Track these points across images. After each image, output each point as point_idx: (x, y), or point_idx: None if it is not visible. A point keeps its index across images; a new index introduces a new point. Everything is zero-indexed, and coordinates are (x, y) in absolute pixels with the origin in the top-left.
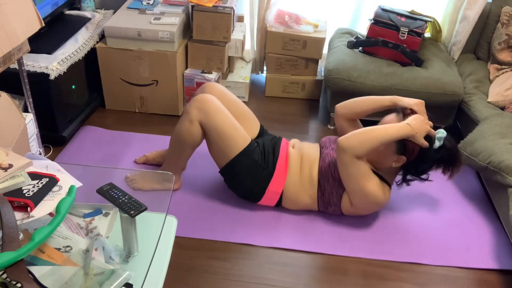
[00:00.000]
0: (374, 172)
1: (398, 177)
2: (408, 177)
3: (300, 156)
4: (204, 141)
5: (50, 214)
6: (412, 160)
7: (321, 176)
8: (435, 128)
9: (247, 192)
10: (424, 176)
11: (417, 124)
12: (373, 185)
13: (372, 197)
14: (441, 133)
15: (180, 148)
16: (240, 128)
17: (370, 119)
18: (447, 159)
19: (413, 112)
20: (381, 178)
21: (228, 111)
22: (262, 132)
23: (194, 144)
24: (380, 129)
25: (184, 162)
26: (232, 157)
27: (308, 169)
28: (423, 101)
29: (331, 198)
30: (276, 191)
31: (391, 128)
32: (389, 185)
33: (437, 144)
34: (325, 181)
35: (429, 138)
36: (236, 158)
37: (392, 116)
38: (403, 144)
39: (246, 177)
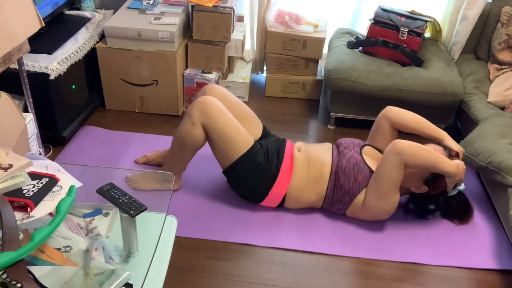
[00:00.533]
0: None
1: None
2: (410, 205)
3: (307, 159)
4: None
5: (50, 214)
6: (428, 195)
7: (342, 175)
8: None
9: (250, 194)
10: (422, 214)
11: (462, 171)
12: (397, 196)
13: (389, 205)
14: (462, 186)
15: (182, 150)
16: (242, 129)
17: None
18: (454, 209)
19: (457, 156)
20: None
21: (230, 113)
22: (265, 133)
23: (196, 147)
24: (436, 155)
25: (185, 164)
26: (235, 159)
27: (318, 169)
28: (463, 150)
29: (344, 197)
30: (279, 193)
31: (445, 160)
32: None
33: (453, 192)
34: (345, 180)
35: (454, 185)
36: (239, 160)
37: (439, 148)
38: (434, 178)
39: (249, 179)
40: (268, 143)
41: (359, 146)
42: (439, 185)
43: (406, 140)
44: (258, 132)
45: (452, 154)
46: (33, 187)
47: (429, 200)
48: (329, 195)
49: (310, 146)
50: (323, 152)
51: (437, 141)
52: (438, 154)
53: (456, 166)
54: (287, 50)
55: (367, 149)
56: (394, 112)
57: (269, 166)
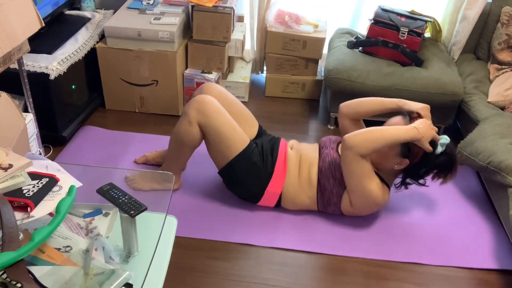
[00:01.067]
0: (375, 172)
1: (397, 180)
2: (407, 180)
3: (299, 157)
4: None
5: (50, 214)
6: (414, 163)
7: (321, 176)
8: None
9: (246, 193)
10: (421, 181)
11: (424, 128)
12: (374, 185)
13: (372, 197)
14: (445, 139)
15: (179, 149)
16: (238, 129)
17: (373, 119)
18: (445, 165)
19: (419, 116)
20: (381, 179)
21: (226, 112)
22: (260, 132)
23: (193, 145)
24: (387, 130)
25: (183, 162)
26: (231, 159)
27: (307, 170)
28: (428, 106)
29: (331, 198)
30: (275, 192)
31: (398, 130)
32: (389, 186)
33: (439, 149)
34: (325, 181)
35: (433, 143)
36: (235, 159)
37: (398, 119)
38: (407, 147)
39: (245, 178)
40: (263, 142)
41: (335, 142)
42: (416, 152)
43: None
44: (254, 131)
45: (412, 117)
46: (33, 187)
47: (420, 167)
48: (320, 198)
49: (301, 145)
50: (311, 152)
51: (398, 111)
52: (389, 128)
53: (412, 128)
54: (287, 50)
55: None
56: (345, 107)
57: (264, 165)
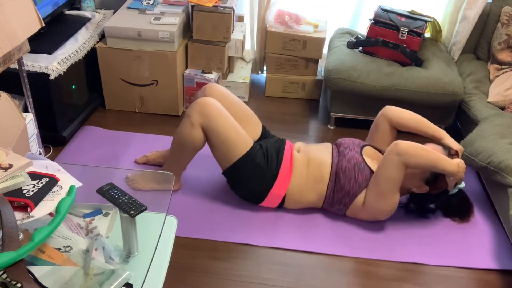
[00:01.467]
0: None
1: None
2: (411, 205)
3: (307, 159)
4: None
5: (50, 214)
6: (429, 194)
7: (343, 175)
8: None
9: (249, 194)
10: (423, 213)
11: (462, 169)
12: (397, 196)
13: (389, 205)
14: (462, 184)
15: (181, 151)
16: (242, 131)
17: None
18: (454, 207)
19: (456, 154)
20: None
21: (229, 114)
22: (264, 134)
23: (195, 148)
24: (437, 155)
25: (185, 165)
26: (235, 161)
27: (317, 170)
28: (463, 149)
29: (344, 198)
30: (278, 194)
31: (445, 160)
32: None
33: (453, 190)
34: (346, 180)
35: (455, 184)
36: (239, 161)
37: (439, 148)
38: (435, 177)
39: (249, 180)
40: (268, 144)
41: (359, 146)
42: (440, 185)
43: (406, 140)
44: (258, 132)
45: (451, 153)
46: (33, 187)
47: (430, 199)
48: (329, 195)
49: (310, 147)
50: (323, 153)
51: (437, 140)
52: (439, 153)
53: (456, 165)
54: (287, 50)
55: (367, 150)
56: (393, 112)
57: (269, 167)
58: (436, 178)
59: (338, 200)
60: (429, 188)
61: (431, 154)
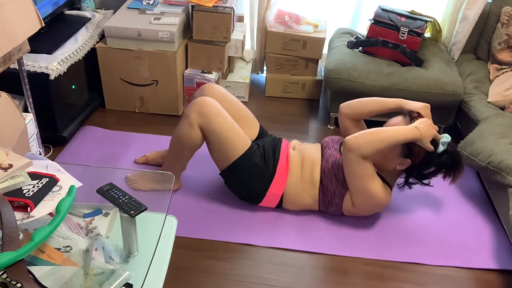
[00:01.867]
0: (377, 174)
1: (400, 180)
2: (410, 180)
3: (301, 157)
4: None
5: (50, 214)
6: (416, 163)
7: (324, 177)
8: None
9: (248, 195)
10: (425, 181)
11: (425, 128)
12: (376, 186)
13: (374, 198)
14: (446, 137)
15: (180, 151)
16: (240, 131)
17: (373, 119)
18: (449, 164)
19: (419, 115)
20: (383, 180)
21: (227, 114)
22: (261, 133)
23: (194, 148)
24: (388, 130)
25: (184, 164)
26: (233, 161)
27: (310, 170)
28: (429, 105)
29: (333, 198)
30: (277, 193)
31: (399, 130)
32: (391, 187)
33: (441, 148)
34: (328, 181)
35: (434, 142)
36: (236, 161)
37: (398, 119)
38: (409, 147)
39: (247, 180)
40: (265, 143)
41: (338, 143)
42: (417, 152)
43: (373, 124)
44: (255, 132)
45: (413, 117)
46: (33, 187)
47: (422, 167)
48: (322, 198)
49: (303, 145)
50: (314, 153)
51: (399, 111)
52: (389, 128)
53: (413, 128)
54: (287, 50)
55: None
56: (345, 107)
57: (266, 167)
58: (409, 148)
59: (329, 202)
60: (411, 160)
61: (380, 134)
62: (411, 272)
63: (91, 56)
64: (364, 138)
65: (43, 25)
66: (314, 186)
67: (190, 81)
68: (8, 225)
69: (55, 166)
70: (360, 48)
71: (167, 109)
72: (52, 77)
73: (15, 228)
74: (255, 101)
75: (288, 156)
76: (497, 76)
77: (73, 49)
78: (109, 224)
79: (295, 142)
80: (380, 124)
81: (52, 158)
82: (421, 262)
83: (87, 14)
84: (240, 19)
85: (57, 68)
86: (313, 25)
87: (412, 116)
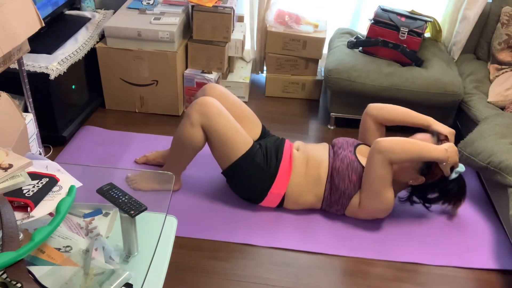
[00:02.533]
0: None
1: (402, 193)
2: (413, 197)
3: (306, 158)
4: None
5: (50, 214)
6: (428, 183)
7: (337, 176)
8: None
9: (249, 194)
10: (427, 204)
11: (452, 153)
12: (390, 193)
13: (384, 203)
14: (461, 167)
15: (181, 151)
16: (242, 130)
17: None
18: (455, 193)
19: (446, 139)
20: None
21: (229, 114)
22: (264, 133)
23: (196, 148)
24: (422, 144)
25: (185, 165)
26: (234, 160)
27: (315, 170)
28: (454, 131)
29: (341, 198)
30: (278, 193)
31: (431, 148)
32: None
33: (453, 176)
34: (340, 180)
35: (450, 169)
36: (238, 161)
37: (427, 136)
38: (429, 166)
39: (248, 180)
40: (267, 143)
41: (353, 145)
42: (435, 173)
43: (395, 133)
44: (257, 132)
45: (440, 139)
46: (33, 187)
47: (430, 188)
48: (327, 196)
49: (308, 146)
50: (321, 152)
51: (425, 128)
52: (422, 143)
53: (443, 150)
54: (287, 50)
55: (361, 148)
56: (375, 109)
57: (268, 167)
58: (429, 167)
59: (335, 201)
60: (426, 178)
61: (413, 146)
62: (411, 272)
63: (91, 56)
64: (399, 144)
65: (43, 25)
66: (319, 184)
67: (190, 81)
68: (8, 225)
69: (55, 166)
70: (360, 48)
71: (167, 109)
72: (52, 77)
73: (15, 228)
74: (255, 101)
75: (292, 156)
76: (497, 76)
77: (73, 49)
78: (109, 224)
79: (299, 143)
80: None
81: (52, 158)
82: (421, 262)
83: (87, 14)
84: (240, 19)
85: (57, 68)
86: (313, 25)
87: (440, 138)
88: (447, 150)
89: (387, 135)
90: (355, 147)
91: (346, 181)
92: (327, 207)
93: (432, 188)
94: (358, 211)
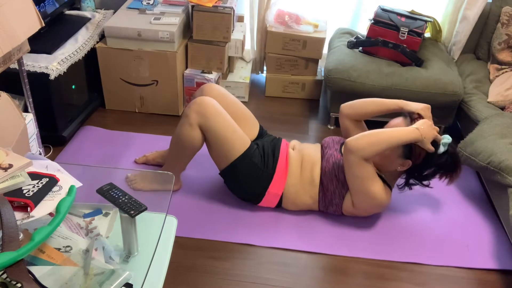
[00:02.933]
0: (377, 174)
1: (400, 181)
2: (411, 181)
3: (301, 157)
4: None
5: (50, 214)
6: (417, 164)
7: (324, 177)
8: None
9: (247, 195)
10: (426, 182)
11: (426, 129)
12: (377, 187)
13: (375, 199)
14: (447, 138)
15: (180, 151)
16: (239, 130)
17: (375, 119)
18: (449, 164)
19: (420, 116)
20: (383, 180)
21: (227, 114)
22: (261, 133)
23: (194, 148)
24: (389, 132)
25: (184, 165)
26: (232, 160)
27: (309, 170)
28: (429, 106)
29: (334, 199)
30: (276, 193)
31: (400, 132)
32: (390, 188)
33: (441, 149)
34: (328, 181)
35: (435, 143)
36: (236, 161)
37: (399, 120)
38: (410, 148)
39: (246, 180)
40: (264, 143)
41: (339, 143)
42: (418, 153)
43: (374, 125)
44: (255, 132)
45: (413, 118)
46: (33, 187)
47: (422, 167)
48: (322, 198)
49: (303, 145)
50: (314, 153)
51: (400, 112)
52: (391, 130)
53: (413, 130)
54: (287, 50)
55: None
56: (346, 108)
57: (265, 166)
58: (410, 149)
59: (329, 202)
60: (412, 160)
61: (382, 136)
62: (411, 272)
63: (91, 56)
64: (365, 140)
65: (43, 25)
66: (313, 186)
67: (190, 81)
68: (8, 225)
69: (55, 166)
70: (360, 48)
71: (167, 109)
72: (52, 77)
73: (15, 228)
74: (255, 101)
75: (288, 156)
76: (497, 76)
77: (73, 49)
78: (109, 224)
79: (294, 142)
80: (381, 124)
81: (52, 158)
82: (421, 262)
83: (87, 14)
84: (240, 19)
85: (57, 68)
86: (313, 25)
87: (412, 117)
88: (418, 128)
89: (369, 128)
90: (341, 145)
91: (334, 181)
92: (324, 208)
93: (424, 167)
94: (354, 210)
